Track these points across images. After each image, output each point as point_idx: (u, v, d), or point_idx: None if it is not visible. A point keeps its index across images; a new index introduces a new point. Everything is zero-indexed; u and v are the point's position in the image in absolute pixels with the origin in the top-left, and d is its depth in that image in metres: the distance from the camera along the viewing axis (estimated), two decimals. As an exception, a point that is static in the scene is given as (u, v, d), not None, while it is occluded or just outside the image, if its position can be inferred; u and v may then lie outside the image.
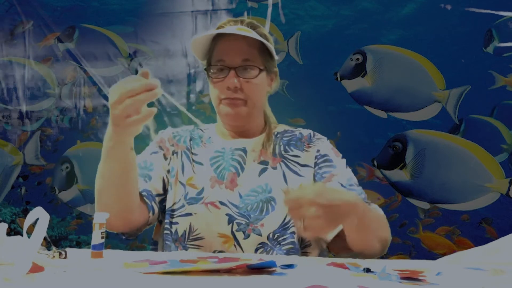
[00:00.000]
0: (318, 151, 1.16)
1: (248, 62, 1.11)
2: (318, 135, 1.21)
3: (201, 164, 1.16)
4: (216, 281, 0.68)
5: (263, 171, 1.13)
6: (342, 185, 1.10)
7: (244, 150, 1.16)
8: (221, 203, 1.10)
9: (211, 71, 1.13)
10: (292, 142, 1.18)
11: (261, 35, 1.14)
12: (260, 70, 1.12)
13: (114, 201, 1.00)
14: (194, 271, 0.75)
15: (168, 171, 1.17)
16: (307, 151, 1.16)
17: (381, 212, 1.08)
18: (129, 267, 0.78)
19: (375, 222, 1.00)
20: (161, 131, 1.25)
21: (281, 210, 1.08)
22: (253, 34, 1.10)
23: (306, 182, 1.12)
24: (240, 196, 1.10)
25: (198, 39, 1.11)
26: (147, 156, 1.18)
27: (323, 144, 1.18)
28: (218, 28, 1.17)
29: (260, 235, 1.06)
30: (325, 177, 1.12)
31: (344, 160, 1.17)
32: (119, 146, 0.93)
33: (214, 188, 1.12)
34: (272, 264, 0.75)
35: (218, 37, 1.13)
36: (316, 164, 1.15)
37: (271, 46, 1.13)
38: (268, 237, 1.06)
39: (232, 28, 1.12)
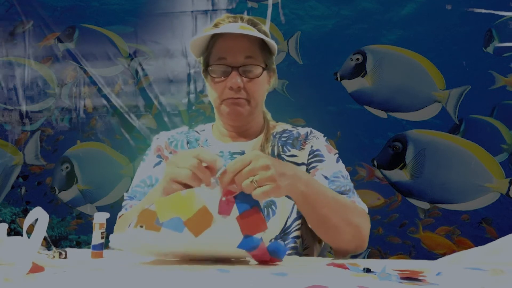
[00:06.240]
0: (311, 147, 1.14)
1: (251, 60, 1.08)
2: (315, 133, 1.18)
3: None
4: (216, 281, 0.68)
5: None
6: (326, 177, 1.08)
7: (242, 154, 1.13)
8: None
9: (212, 70, 1.09)
10: (289, 141, 1.15)
11: (262, 32, 1.12)
12: (263, 69, 1.10)
13: None
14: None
15: None
16: (303, 149, 1.14)
17: (356, 204, 1.04)
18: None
19: (332, 200, 0.95)
20: (155, 136, 1.22)
21: (281, 213, 1.07)
22: (255, 33, 1.07)
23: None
24: None
25: (199, 38, 1.08)
26: (150, 170, 1.15)
27: (317, 141, 1.15)
28: (215, 24, 1.13)
29: None
30: (310, 172, 1.10)
31: (336, 156, 1.14)
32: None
33: None
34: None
35: (218, 34, 1.09)
36: (308, 160, 1.13)
37: (274, 44, 1.10)
38: None
39: (234, 26, 1.09)
